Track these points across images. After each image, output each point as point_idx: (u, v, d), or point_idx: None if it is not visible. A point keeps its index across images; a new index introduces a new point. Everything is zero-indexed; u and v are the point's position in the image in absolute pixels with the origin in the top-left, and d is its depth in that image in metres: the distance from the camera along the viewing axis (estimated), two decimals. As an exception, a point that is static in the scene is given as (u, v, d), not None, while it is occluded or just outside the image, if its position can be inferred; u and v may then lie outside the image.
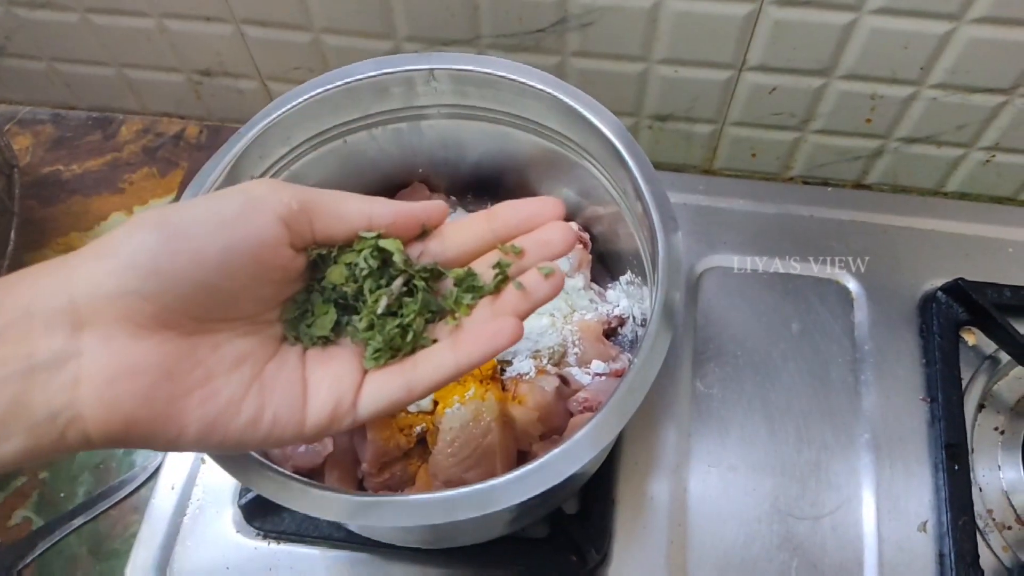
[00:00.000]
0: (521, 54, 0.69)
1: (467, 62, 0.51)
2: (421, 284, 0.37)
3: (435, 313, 0.37)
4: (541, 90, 0.50)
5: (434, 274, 0.37)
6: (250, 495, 0.57)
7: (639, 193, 0.47)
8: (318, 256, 0.36)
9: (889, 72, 0.66)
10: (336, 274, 0.36)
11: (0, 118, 0.84)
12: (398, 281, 0.36)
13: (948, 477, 0.56)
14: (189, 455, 0.61)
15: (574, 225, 0.60)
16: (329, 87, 0.51)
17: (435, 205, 0.38)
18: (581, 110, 0.49)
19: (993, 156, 0.73)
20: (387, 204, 0.36)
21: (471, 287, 0.37)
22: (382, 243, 0.36)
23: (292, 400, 0.34)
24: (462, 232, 0.38)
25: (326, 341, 0.36)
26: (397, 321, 0.36)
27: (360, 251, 0.36)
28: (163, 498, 0.59)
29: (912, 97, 0.68)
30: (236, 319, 0.34)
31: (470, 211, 0.64)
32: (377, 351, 0.35)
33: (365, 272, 0.36)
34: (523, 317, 0.36)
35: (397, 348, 0.36)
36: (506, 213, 0.38)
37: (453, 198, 0.64)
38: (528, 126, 0.55)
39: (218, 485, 0.59)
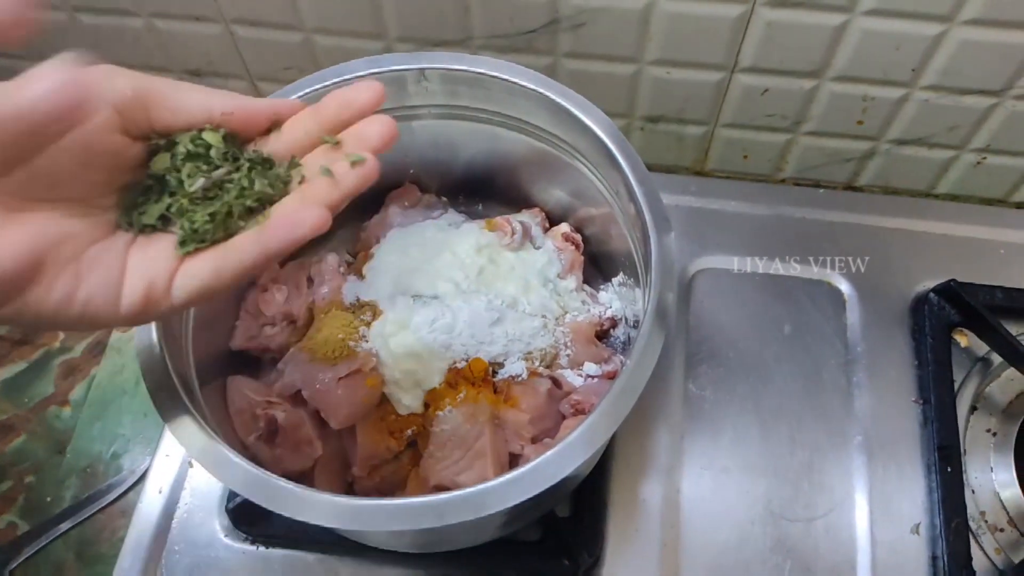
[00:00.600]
0: (513, 55, 0.69)
1: (458, 61, 0.51)
2: (241, 173, 0.36)
3: (261, 203, 0.37)
4: (532, 89, 0.50)
5: (264, 164, 0.37)
6: (238, 499, 0.56)
7: (631, 193, 0.47)
8: (155, 146, 0.36)
9: (881, 74, 0.66)
10: (159, 162, 0.36)
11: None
12: (219, 171, 0.36)
13: (941, 479, 0.56)
14: (176, 459, 0.60)
15: (565, 226, 0.60)
16: (319, 86, 0.51)
17: (284, 102, 0.38)
18: (572, 109, 0.49)
19: (984, 158, 0.73)
20: (229, 97, 0.36)
21: (288, 178, 0.37)
22: (205, 134, 0.36)
23: (108, 282, 0.34)
24: (294, 127, 0.38)
25: (154, 229, 0.36)
26: (210, 208, 0.36)
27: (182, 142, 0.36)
28: (150, 502, 0.59)
29: (904, 99, 0.68)
30: (64, 200, 0.34)
31: (461, 212, 0.64)
32: (186, 237, 0.35)
33: (183, 159, 0.36)
34: (333, 208, 0.36)
35: (206, 234, 0.35)
36: (331, 105, 0.38)
37: (444, 199, 0.64)
38: (519, 126, 0.55)
39: (206, 489, 0.59)
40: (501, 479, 0.40)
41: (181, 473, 0.60)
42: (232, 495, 0.57)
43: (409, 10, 0.66)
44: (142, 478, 0.61)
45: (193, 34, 0.72)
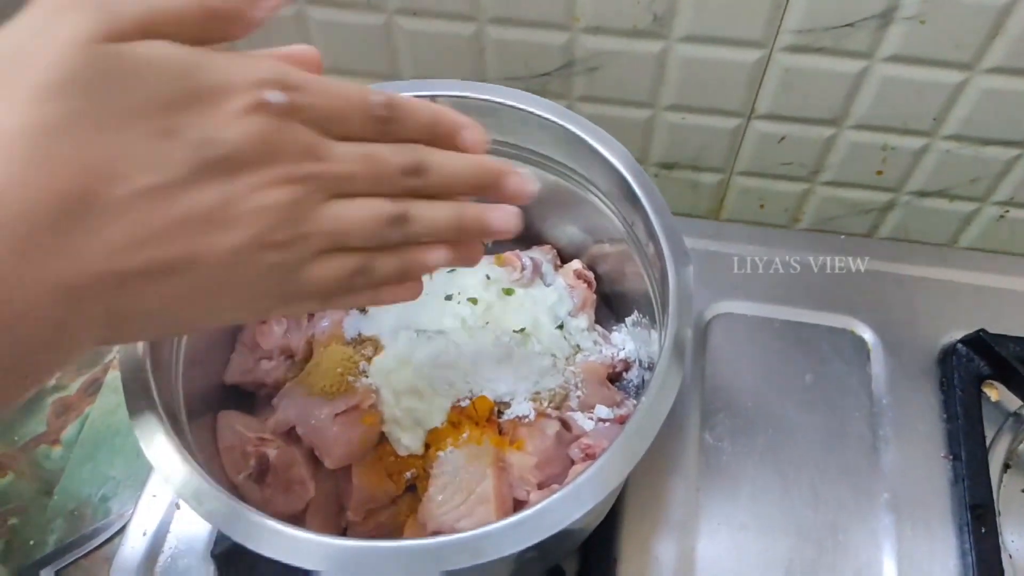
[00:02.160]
0: (527, 97, 0.68)
1: (470, 89, 0.50)
2: None
3: None
4: (546, 119, 0.49)
5: None
6: (224, 544, 0.53)
7: (648, 225, 0.45)
8: None
9: (901, 122, 0.65)
10: None
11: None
12: None
13: (975, 541, 0.53)
14: (163, 500, 0.57)
15: (577, 263, 0.58)
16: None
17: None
18: (587, 139, 0.48)
19: (1007, 211, 0.71)
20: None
21: None
22: None
23: None
24: None
25: None
26: None
27: None
28: (134, 545, 0.56)
29: (924, 149, 0.67)
30: None
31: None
32: None
33: None
34: None
35: None
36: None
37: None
38: (533, 158, 0.53)
39: (192, 533, 0.56)
40: (503, 523, 0.38)
41: (167, 516, 0.57)
42: (219, 540, 0.54)
43: (423, 51, 0.66)
44: (129, 523, 0.59)
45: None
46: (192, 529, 0.56)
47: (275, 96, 0.29)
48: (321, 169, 0.30)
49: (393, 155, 0.33)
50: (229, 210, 0.28)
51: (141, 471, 0.66)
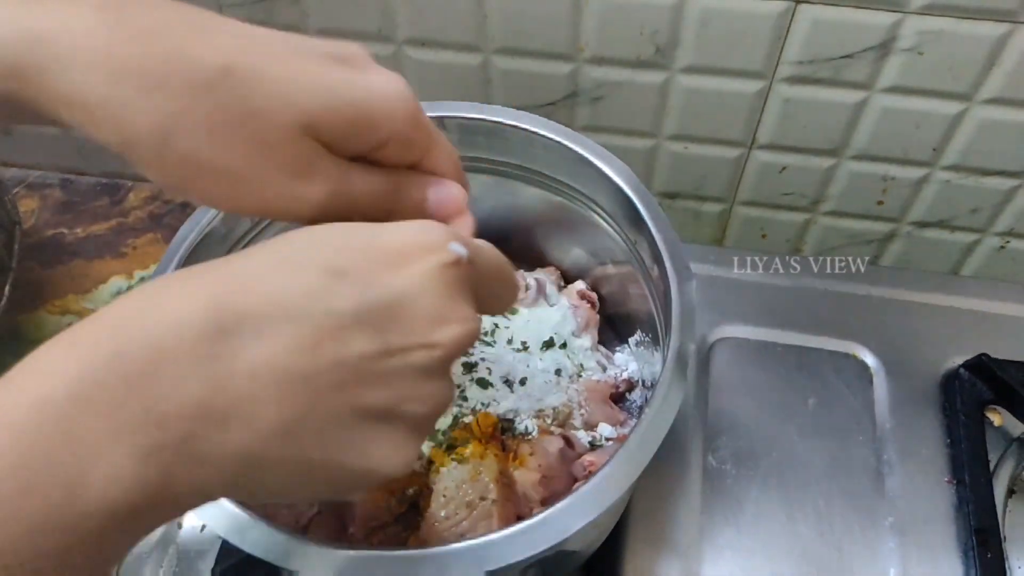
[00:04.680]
0: (532, 126, 0.69)
1: (476, 111, 0.51)
2: None
3: None
4: (551, 139, 0.50)
5: None
6: (228, 561, 0.52)
7: (652, 244, 0.46)
8: None
9: (901, 152, 0.66)
10: None
11: (9, 182, 0.84)
12: None
13: (980, 566, 0.52)
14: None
15: (581, 284, 0.58)
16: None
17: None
18: (592, 159, 0.49)
19: (1008, 242, 0.72)
20: None
21: None
22: None
23: None
24: None
25: None
26: None
27: None
28: (135, 565, 0.55)
29: (924, 179, 0.68)
30: None
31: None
32: None
33: None
34: None
35: None
36: None
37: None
38: (537, 179, 0.54)
39: (195, 552, 0.55)
40: (509, 530, 0.38)
41: (169, 533, 0.56)
42: (221, 557, 0.53)
43: (431, 81, 0.67)
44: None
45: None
46: (195, 547, 0.56)
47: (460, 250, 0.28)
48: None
49: None
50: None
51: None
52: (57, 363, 0.24)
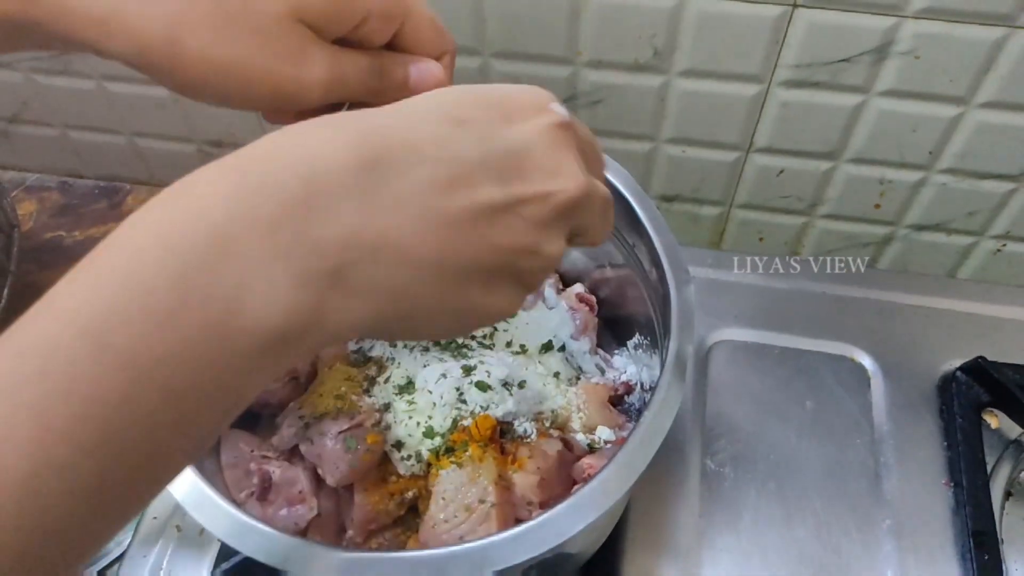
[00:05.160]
0: (530, 129, 0.70)
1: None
2: None
3: None
4: (550, 143, 0.50)
5: None
6: (226, 566, 0.52)
7: (650, 246, 0.46)
8: None
9: (898, 156, 0.66)
10: None
11: (7, 184, 0.84)
12: None
13: (978, 568, 0.52)
14: (163, 521, 0.57)
15: (579, 287, 0.59)
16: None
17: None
18: (590, 162, 0.49)
19: (1004, 245, 0.72)
20: None
21: None
22: None
23: None
24: None
25: None
26: None
27: None
28: (134, 571, 0.55)
29: (921, 182, 0.68)
30: None
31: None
32: None
33: None
34: None
35: None
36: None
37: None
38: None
39: (193, 558, 0.55)
40: (508, 532, 0.38)
41: (168, 540, 0.56)
42: (219, 561, 0.53)
43: (430, 83, 0.67)
44: (125, 552, 0.58)
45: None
46: (194, 553, 0.56)
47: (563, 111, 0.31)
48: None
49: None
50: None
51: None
52: (211, 186, 0.24)
